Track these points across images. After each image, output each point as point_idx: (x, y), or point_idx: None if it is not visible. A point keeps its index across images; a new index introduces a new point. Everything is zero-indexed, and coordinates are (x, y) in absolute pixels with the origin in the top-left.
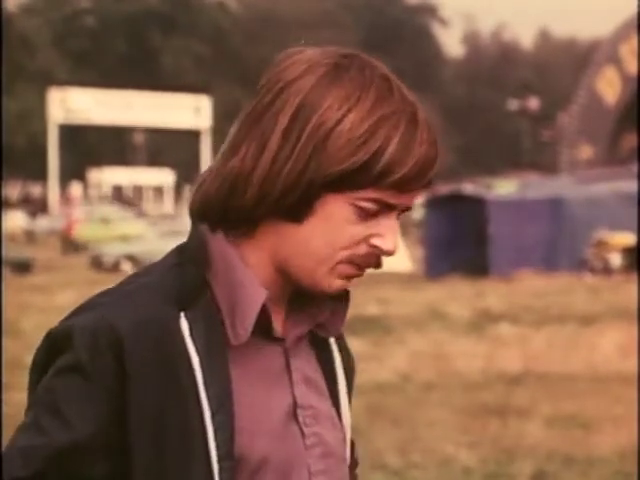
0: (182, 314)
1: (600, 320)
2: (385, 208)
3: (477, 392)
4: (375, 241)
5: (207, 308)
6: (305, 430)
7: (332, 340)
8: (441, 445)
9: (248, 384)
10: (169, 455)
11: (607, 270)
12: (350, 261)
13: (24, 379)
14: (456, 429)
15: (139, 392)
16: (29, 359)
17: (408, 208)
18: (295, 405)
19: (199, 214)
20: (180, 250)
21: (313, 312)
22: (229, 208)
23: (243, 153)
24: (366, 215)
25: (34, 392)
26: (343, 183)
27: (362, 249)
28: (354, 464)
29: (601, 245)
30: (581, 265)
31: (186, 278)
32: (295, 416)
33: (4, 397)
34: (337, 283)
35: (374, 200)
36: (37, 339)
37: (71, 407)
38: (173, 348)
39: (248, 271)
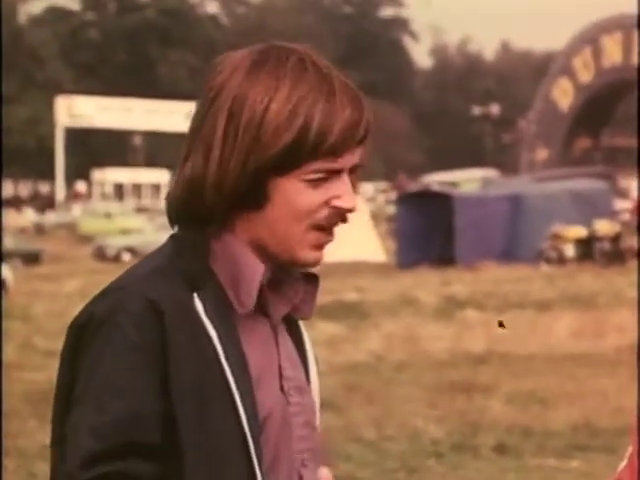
0: (195, 295)
1: (555, 306)
2: (333, 173)
3: (445, 371)
4: (335, 202)
5: (213, 288)
6: (290, 399)
7: (300, 323)
8: (412, 419)
9: (254, 348)
10: (210, 420)
11: (561, 260)
12: (316, 227)
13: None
14: (425, 405)
15: (179, 363)
16: (38, 341)
17: (357, 166)
18: (281, 376)
19: (172, 219)
20: (176, 239)
21: (290, 295)
22: (195, 211)
23: (193, 160)
24: (316, 184)
25: (72, 373)
26: (285, 164)
27: (324, 212)
28: None
29: (556, 238)
30: (538, 256)
31: (191, 263)
32: (281, 385)
33: (17, 375)
34: (313, 254)
35: (318, 170)
36: (45, 323)
37: (125, 380)
38: (195, 324)
39: (245, 248)
